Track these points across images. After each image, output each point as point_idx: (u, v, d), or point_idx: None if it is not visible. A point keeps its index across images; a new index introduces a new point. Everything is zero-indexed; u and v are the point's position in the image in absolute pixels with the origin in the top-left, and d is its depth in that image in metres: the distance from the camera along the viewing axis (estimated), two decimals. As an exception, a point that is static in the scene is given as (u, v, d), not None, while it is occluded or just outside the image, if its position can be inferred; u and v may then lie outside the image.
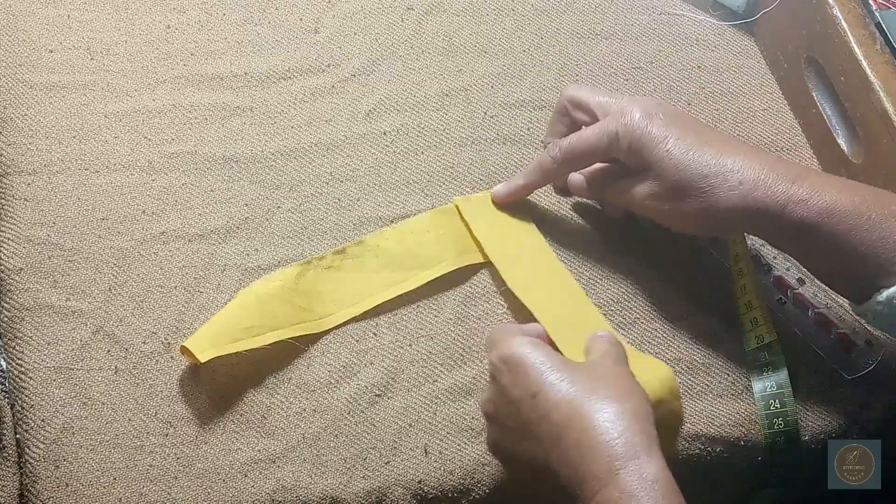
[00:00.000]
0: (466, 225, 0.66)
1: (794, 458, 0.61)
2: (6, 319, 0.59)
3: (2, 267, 0.60)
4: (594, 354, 0.55)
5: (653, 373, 0.56)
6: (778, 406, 0.61)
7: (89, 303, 0.60)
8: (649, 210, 0.61)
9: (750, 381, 0.63)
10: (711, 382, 0.63)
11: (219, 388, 0.59)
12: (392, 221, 0.66)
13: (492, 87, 0.74)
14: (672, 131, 0.58)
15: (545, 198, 0.69)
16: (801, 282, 0.65)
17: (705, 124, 0.61)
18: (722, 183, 0.56)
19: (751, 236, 0.66)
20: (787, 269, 0.66)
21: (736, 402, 0.62)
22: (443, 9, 0.77)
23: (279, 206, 0.66)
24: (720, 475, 0.62)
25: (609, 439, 0.47)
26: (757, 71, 0.78)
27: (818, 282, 0.65)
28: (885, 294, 0.54)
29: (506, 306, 0.64)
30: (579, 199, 0.69)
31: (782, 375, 0.61)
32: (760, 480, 0.63)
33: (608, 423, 0.47)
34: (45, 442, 0.56)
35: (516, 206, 0.68)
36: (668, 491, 0.46)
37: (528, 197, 0.68)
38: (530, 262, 0.65)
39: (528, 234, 0.67)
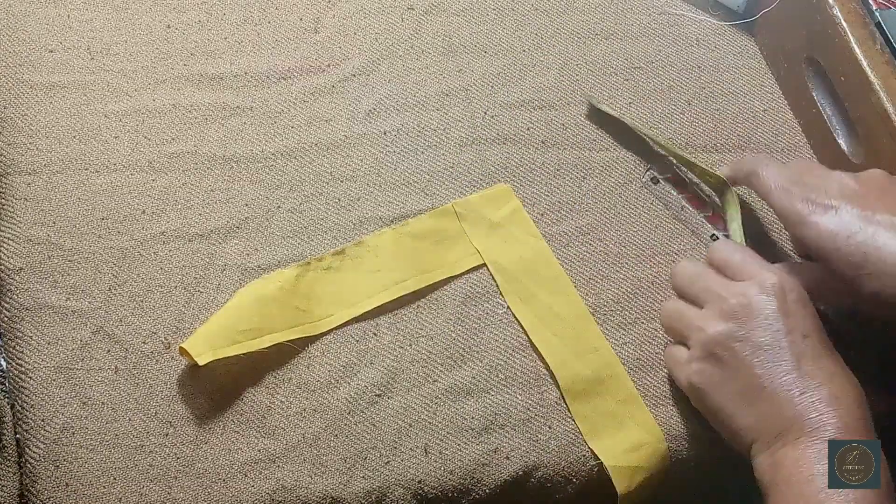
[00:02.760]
0: (464, 230, 0.66)
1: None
2: (6, 319, 0.59)
3: (2, 267, 0.60)
4: None
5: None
6: None
7: (89, 303, 0.60)
8: None
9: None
10: (711, 382, 0.63)
11: (219, 388, 0.59)
12: (392, 221, 0.66)
13: (492, 86, 0.74)
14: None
15: (545, 197, 0.69)
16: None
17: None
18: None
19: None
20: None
21: (736, 402, 0.62)
22: (443, 9, 0.77)
23: (279, 206, 0.66)
24: (720, 476, 0.62)
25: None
26: (757, 71, 0.78)
27: None
28: None
29: (506, 306, 0.64)
30: (581, 197, 0.69)
31: None
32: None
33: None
34: (45, 442, 0.56)
35: (515, 206, 0.68)
36: None
37: (527, 195, 0.68)
38: (528, 270, 0.65)
39: (527, 238, 0.67)
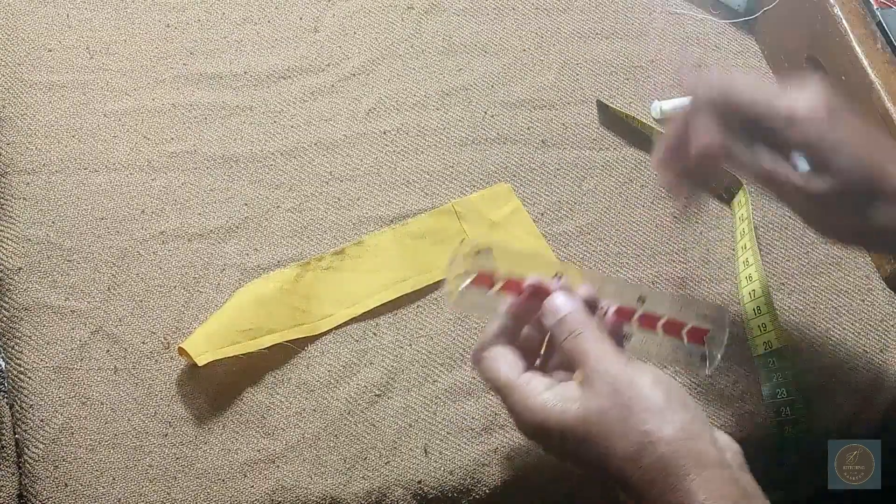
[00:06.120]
0: (464, 230, 0.66)
1: (801, 461, 0.61)
2: (5, 319, 0.59)
3: (1, 266, 0.60)
4: None
5: None
6: (790, 413, 0.61)
7: (88, 302, 0.60)
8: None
9: (751, 382, 0.63)
10: (712, 383, 0.63)
11: (218, 387, 0.59)
12: (392, 221, 0.66)
13: (492, 86, 0.73)
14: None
15: (545, 197, 0.69)
16: (641, 300, 0.53)
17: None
18: None
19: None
20: (622, 294, 0.53)
21: (736, 403, 0.62)
22: (443, 8, 0.77)
23: (278, 206, 0.66)
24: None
25: None
26: (757, 70, 0.78)
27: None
28: None
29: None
30: (581, 197, 0.69)
31: (792, 382, 0.61)
32: (765, 483, 0.63)
33: None
34: (45, 442, 0.56)
35: (515, 206, 0.68)
36: None
37: (527, 195, 0.68)
38: (528, 269, 0.65)
39: (527, 237, 0.67)
